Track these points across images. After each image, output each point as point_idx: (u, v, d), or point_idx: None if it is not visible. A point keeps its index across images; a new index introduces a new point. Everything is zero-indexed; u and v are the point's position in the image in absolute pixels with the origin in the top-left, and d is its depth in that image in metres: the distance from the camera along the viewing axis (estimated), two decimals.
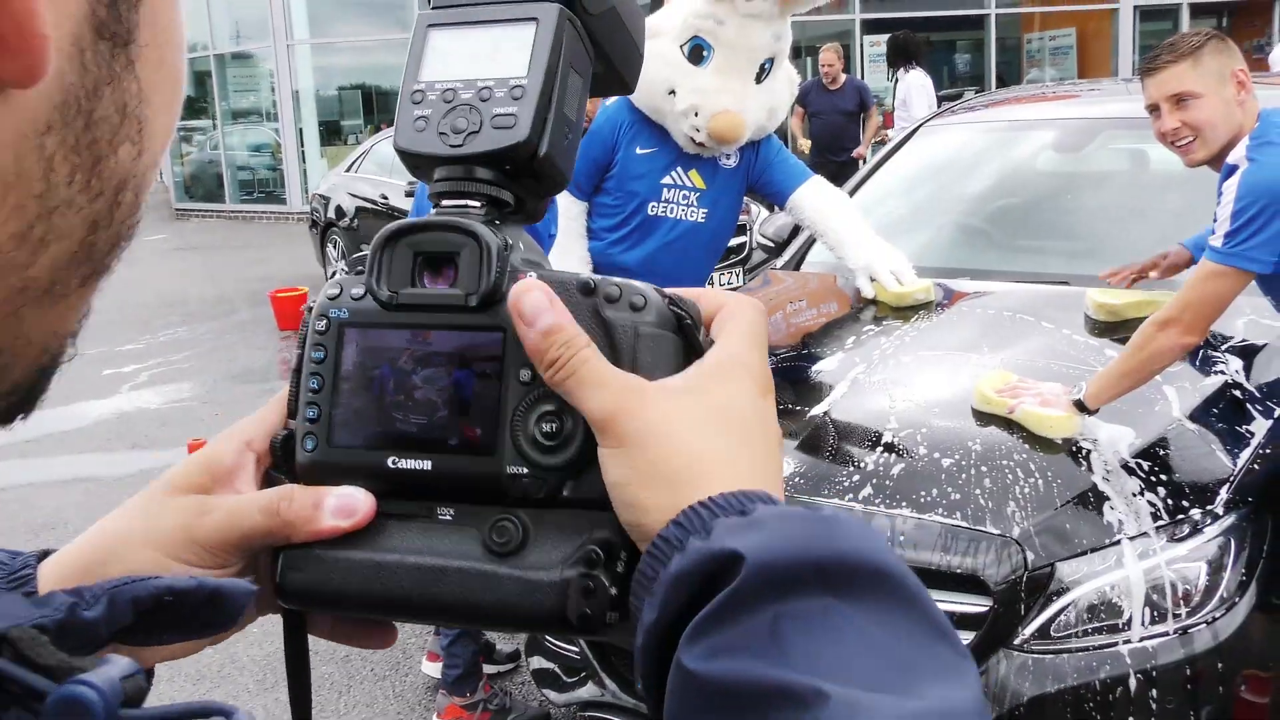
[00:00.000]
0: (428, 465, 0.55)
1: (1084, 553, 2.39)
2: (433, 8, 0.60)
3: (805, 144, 10.11)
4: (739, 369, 0.52)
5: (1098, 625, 2.37)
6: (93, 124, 0.33)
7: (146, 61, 0.35)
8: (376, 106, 19.06)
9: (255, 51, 18.72)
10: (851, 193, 4.13)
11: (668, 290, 0.55)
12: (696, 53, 3.36)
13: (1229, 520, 2.44)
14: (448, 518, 0.55)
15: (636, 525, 0.50)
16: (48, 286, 0.33)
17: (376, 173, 10.13)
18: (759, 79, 3.41)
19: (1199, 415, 2.70)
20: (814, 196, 3.55)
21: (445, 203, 0.57)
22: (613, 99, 3.57)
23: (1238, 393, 2.81)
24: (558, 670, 2.98)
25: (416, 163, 0.58)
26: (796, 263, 4.04)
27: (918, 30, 12.58)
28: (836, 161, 9.25)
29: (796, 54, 18.74)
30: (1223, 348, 2.96)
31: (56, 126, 0.32)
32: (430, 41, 0.59)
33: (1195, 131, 2.61)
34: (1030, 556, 2.38)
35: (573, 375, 0.51)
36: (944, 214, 4.01)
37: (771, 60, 3.42)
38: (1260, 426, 2.70)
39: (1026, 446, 2.60)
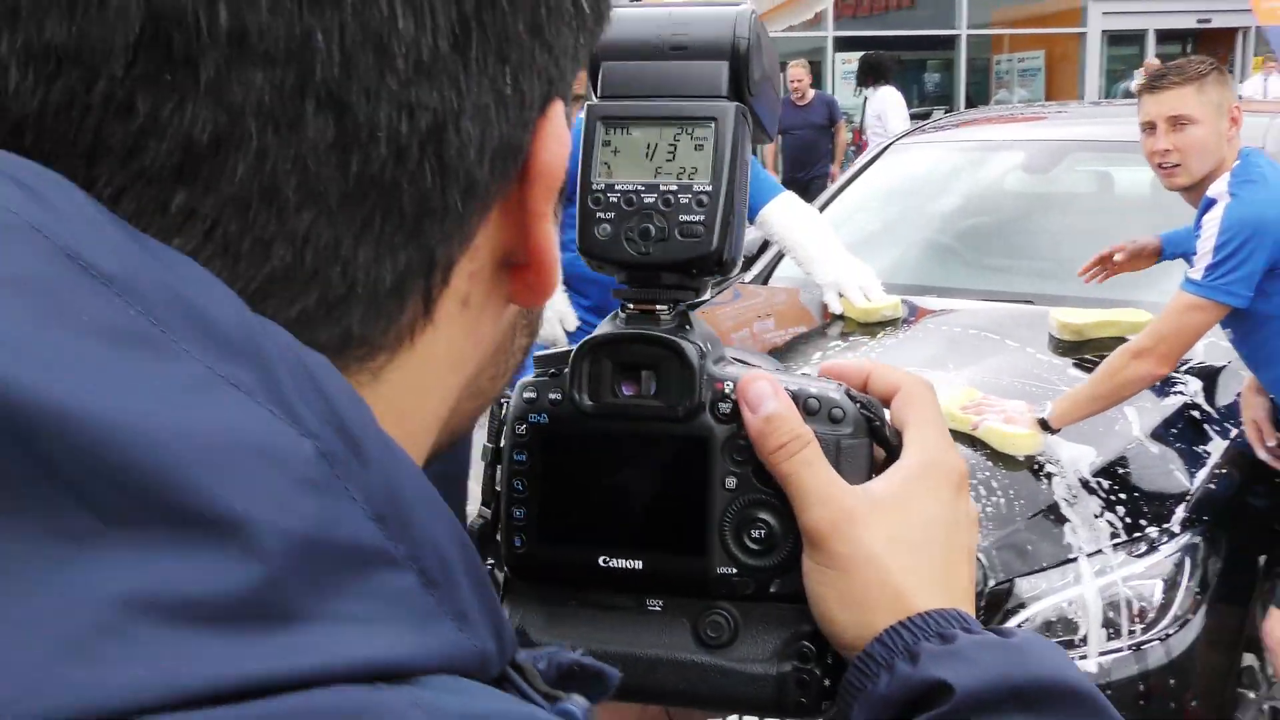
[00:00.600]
0: (639, 565, 0.58)
1: (1042, 569, 2.42)
2: (601, 97, 0.61)
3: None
4: (937, 472, 0.57)
5: (1055, 641, 2.41)
6: (499, 359, 0.44)
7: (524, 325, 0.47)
8: None
9: None
10: (821, 209, 4.17)
11: (854, 391, 0.59)
12: None
13: (1185, 538, 2.49)
14: (657, 609, 0.58)
15: (838, 644, 0.55)
16: (492, 398, 0.45)
17: None
18: None
19: (1158, 435, 2.75)
20: (783, 212, 3.56)
21: (632, 306, 0.60)
22: (584, 109, 3.58)
23: (1196, 413, 2.86)
24: None
25: (602, 265, 0.60)
26: (765, 277, 4.06)
27: (889, 49, 12.71)
28: (806, 178, 9.31)
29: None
30: (1182, 369, 3.01)
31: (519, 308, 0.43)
32: (604, 137, 0.60)
33: (1184, 156, 2.65)
34: (990, 573, 2.42)
35: (795, 470, 0.55)
36: (912, 231, 4.05)
37: None
38: (1217, 447, 2.75)
39: (990, 464, 2.63)
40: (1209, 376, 3.02)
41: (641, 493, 0.57)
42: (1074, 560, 2.42)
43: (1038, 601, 2.41)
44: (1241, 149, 2.68)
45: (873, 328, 3.36)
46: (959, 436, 2.72)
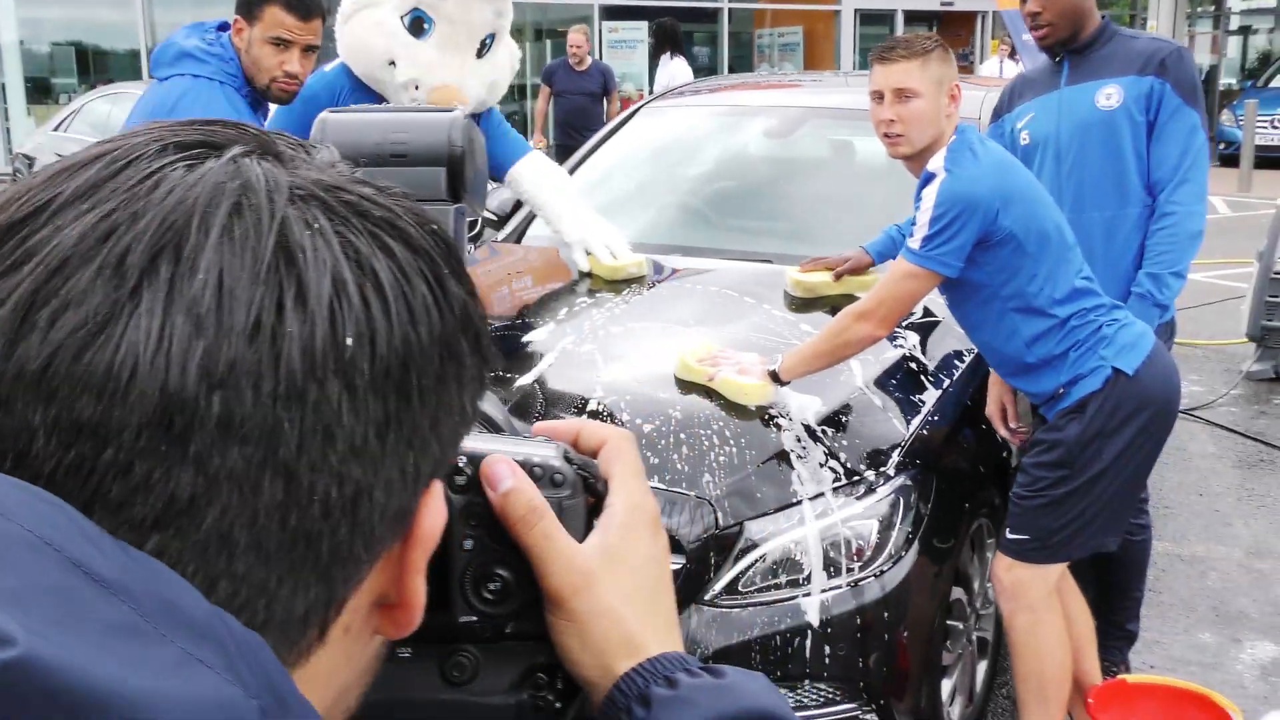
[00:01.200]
0: None
1: (768, 513, 2.54)
2: None
3: (540, 141, 10.16)
4: (641, 518, 0.65)
5: (780, 581, 2.53)
6: (348, 691, 0.53)
7: None
8: (93, 66, 17.83)
9: None
10: (573, 170, 4.21)
11: (573, 453, 0.65)
12: (417, 25, 3.32)
13: (899, 481, 2.66)
14: (406, 655, 0.63)
15: (581, 681, 0.63)
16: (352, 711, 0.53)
17: (89, 133, 9.55)
18: (480, 54, 3.41)
19: (879, 385, 2.92)
20: (532, 171, 3.60)
21: None
22: (330, 64, 3.50)
23: (913, 365, 3.05)
24: None
25: None
26: (518, 236, 4.08)
27: (653, 19, 12.87)
28: (577, 144, 9.34)
29: (537, 36, 18.85)
30: (904, 324, 3.19)
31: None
32: None
33: (906, 127, 2.79)
34: (720, 516, 2.52)
35: (535, 541, 0.62)
36: (661, 193, 4.13)
37: (493, 36, 3.43)
38: (931, 396, 2.94)
39: (723, 414, 2.74)
40: (925, 331, 3.22)
41: None
42: (798, 504, 2.55)
43: (765, 543, 2.53)
44: (958, 125, 2.85)
45: (618, 285, 3.43)
46: (695, 387, 2.81)
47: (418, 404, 0.46)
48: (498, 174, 3.67)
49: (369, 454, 0.44)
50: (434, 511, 0.50)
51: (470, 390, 0.50)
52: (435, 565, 0.61)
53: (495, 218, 4.27)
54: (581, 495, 0.65)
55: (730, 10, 20.07)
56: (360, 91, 3.41)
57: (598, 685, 0.63)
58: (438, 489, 0.50)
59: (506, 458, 0.63)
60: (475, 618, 0.63)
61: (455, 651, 0.64)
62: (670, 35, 10.54)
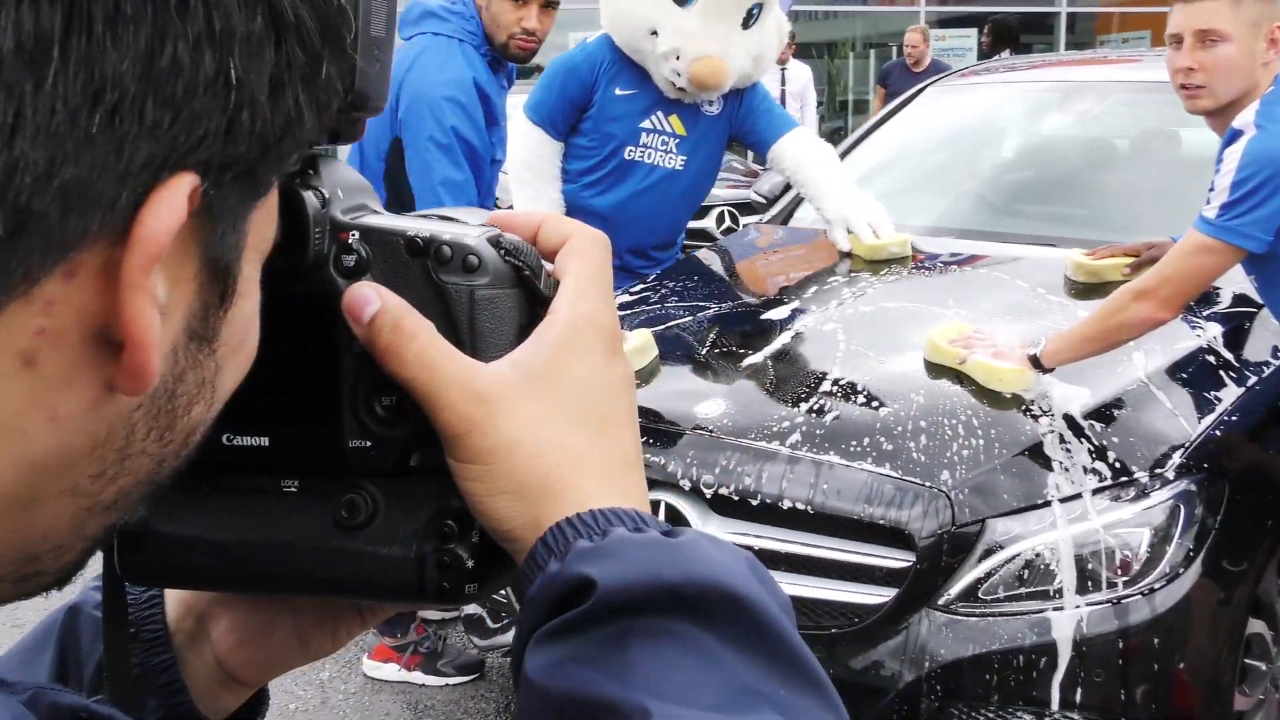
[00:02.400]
0: (265, 441, 0.52)
1: (1014, 511, 2.23)
2: None
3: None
4: (588, 331, 0.52)
5: (1027, 589, 2.22)
6: (174, 398, 0.40)
7: (226, 344, 0.42)
8: None
9: None
10: (847, 151, 3.99)
11: (507, 237, 0.52)
12: None
13: (1180, 486, 2.28)
14: (293, 490, 0.53)
15: (498, 535, 0.50)
16: (112, 504, 0.40)
17: None
18: (746, 24, 3.27)
19: (1165, 378, 2.53)
20: (795, 147, 3.41)
21: None
22: (594, 37, 3.45)
23: (1212, 359, 2.63)
24: (484, 615, 2.88)
25: None
26: (784, 218, 3.91)
27: (981, 25, 12.37)
28: None
29: (865, 48, 18.66)
30: (1204, 314, 2.77)
31: (145, 405, 0.39)
32: None
33: (1209, 77, 2.42)
34: (958, 512, 2.23)
35: (411, 374, 0.49)
36: (938, 173, 3.88)
37: (760, 6, 3.28)
38: (1230, 394, 2.52)
39: (973, 400, 2.45)
40: (1232, 322, 2.78)
41: (265, 360, 0.48)
42: (1047, 504, 2.23)
43: (1011, 545, 2.23)
44: (1278, 75, 2.43)
45: (878, 265, 3.20)
46: (945, 371, 2.54)
47: (109, 45, 0.33)
48: (761, 150, 3.52)
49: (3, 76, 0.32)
50: (169, 212, 0.36)
51: (257, 66, 0.37)
52: (317, 371, 0.51)
53: (763, 200, 4.12)
54: (511, 289, 0.52)
55: (1069, 15, 19.02)
56: (621, 64, 3.35)
57: (519, 541, 0.49)
58: (179, 188, 0.36)
59: (374, 284, 0.50)
60: (369, 442, 0.51)
61: (351, 488, 0.52)
62: (1008, 33, 10.07)
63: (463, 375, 0.49)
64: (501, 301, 0.51)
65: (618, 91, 3.36)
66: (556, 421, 0.50)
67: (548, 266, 0.54)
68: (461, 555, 0.51)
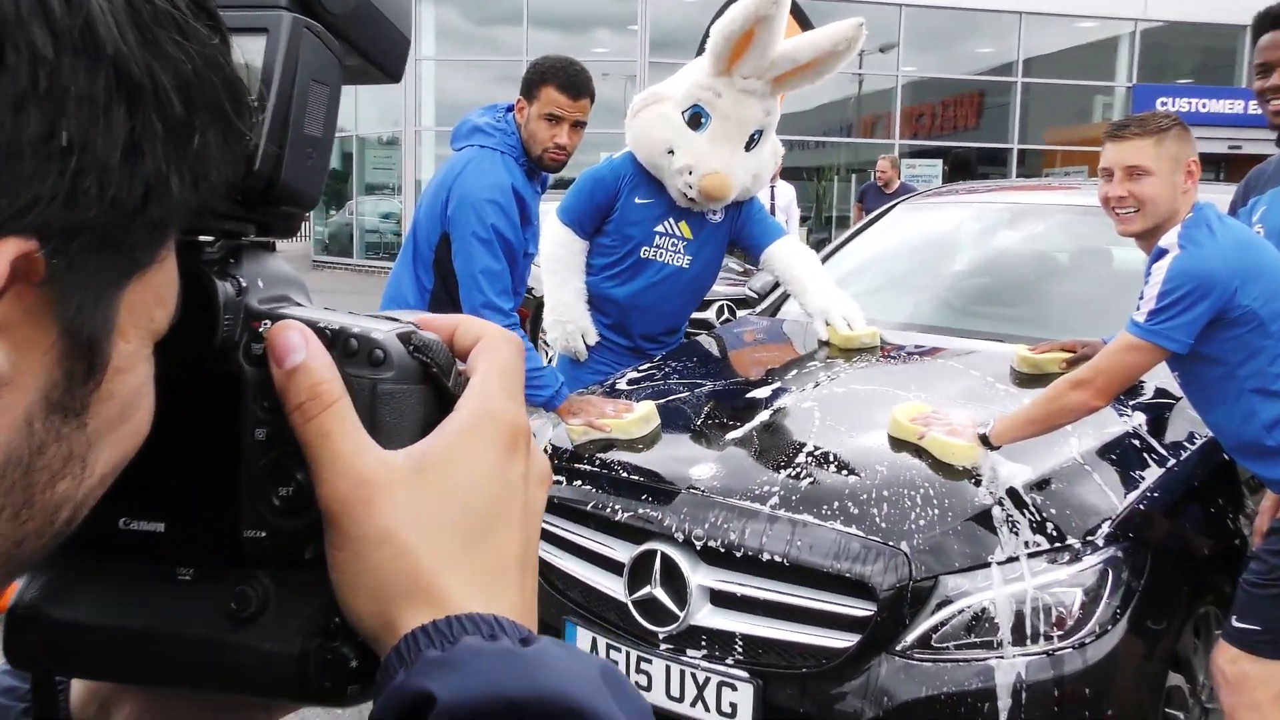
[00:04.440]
0: (161, 528, 0.44)
1: (964, 570, 2.17)
2: None
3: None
4: (488, 427, 0.44)
5: (973, 640, 2.14)
6: (31, 471, 0.33)
7: (102, 418, 0.35)
8: None
9: (390, 135, 19.20)
10: (828, 256, 3.98)
11: (419, 334, 0.45)
12: (695, 119, 3.24)
13: (1109, 552, 2.21)
14: (187, 578, 0.44)
15: (361, 635, 0.42)
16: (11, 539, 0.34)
17: None
18: (748, 147, 3.29)
19: (1096, 457, 2.47)
20: (784, 251, 3.42)
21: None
22: (619, 155, 3.46)
23: (1137, 442, 2.57)
24: None
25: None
26: (773, 311, 3.89)
27: (946, 157, 12.50)
28: None
29: (848, 172, 18.82)
30: (1131, 403, 2.73)
31: None
32: None
33: (1139, 204, 2.40)
34: (915, 569, 2.17)
35: (310, 438, 0.42)
36: (905, 276, 3.87)
37: (760, 132, 3.30)
38: (1153, 473, 2.46)
39: (930, 471, 2.40)
40: (1155, 412, 2.73)
41: (166, 444, 0.42)
42: (987, 565, 2.16)
43: (960, 599, 2.16)
44: (1195, 203, 2.41)
45: (851, 353, 3.16)
46: (906, 446, 2.49)
47: None
48: (755, 253, 3.52)
49: None
50: None
51: (115, 128, 0.31)
52: (218, 457, 0.44)
53: (755, 296, 4.11)
54: (416, 385, 0.44)
55: (1020, 152, 19.17)
56: (641, 177, 3.36)
57: (379, 644, 0.41)
58: (2, 250, 0.30)
59: (302, 325, 0.44)
60: (264, 533, 0.43)
61: (244, 579, 0.43)
62: (966, 165, 10.17)
63: (351, 454, 0.42)
64: (405, 396, 0.44)
65: (637, 200, 3.36)
66: (435, 519, 0.42)
67: (461, 366, 0.47)
68: (346, 653, 0.43)
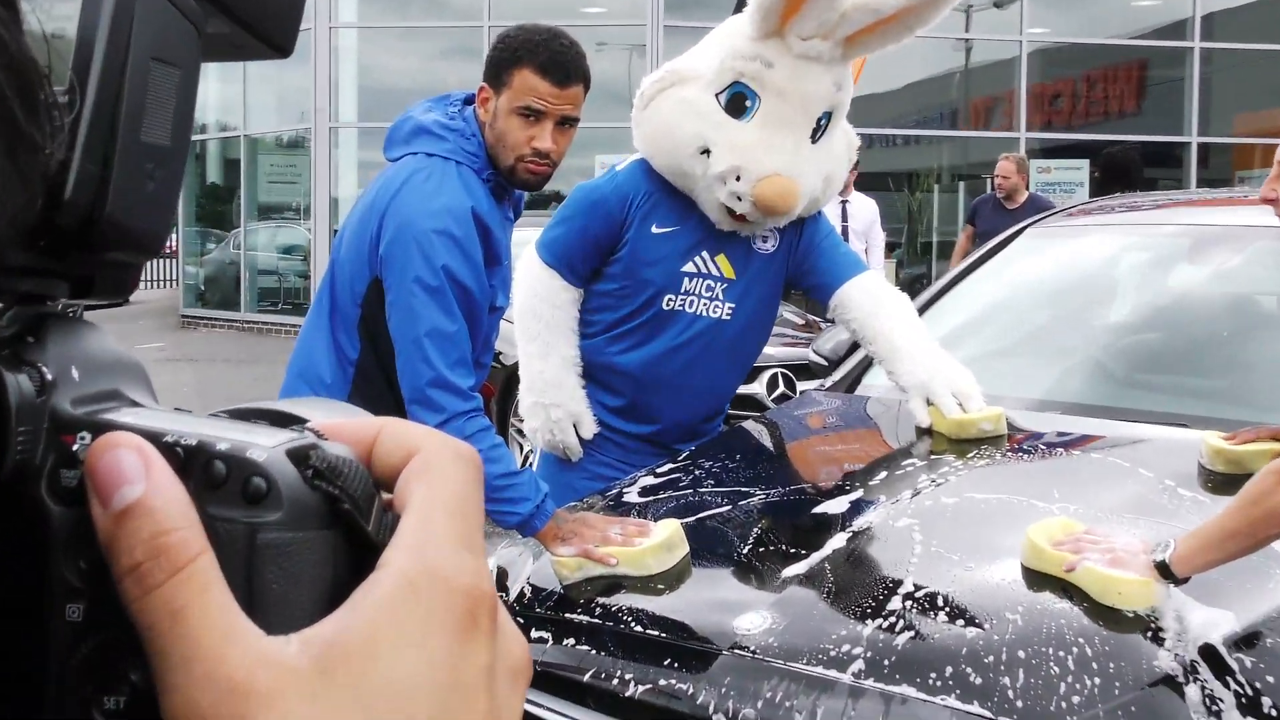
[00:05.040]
0: None
1: None
2: None
3: None
4: (428, 595, 0.42)
5: None
6: None
7: None
8: None
9: (294, 135, 19.50)
10: (928, 304, 4.00)
11: (321, 450, 0.44)
12: (738, 102, 3.28)
13: None
14: None
15: None
16: None
17: None
18: (814, 136, 3.33)
19: None
20: (864, 295, 3.44)
21: None
22: (625, 164, 3.51)
23: None
24: None
25: None
26: (850, 384, 3.90)
27: (1097, 155, 12.59)
28: None
29: (952, 179, 19.00)
30: None
31: None
32: None
33: None
34: None
35: (166, 609, 0.40)
36: (1038, 334, 3.88)
37: (829, 115, 3.35)
38: None
39: (1085, 620, 2.38)
40: None
41: None
42: None
43: None
44: None
45: (965, 446, 3.17)
46: (1049, 582, 2.48)
47: None
48: (822, 296, 3.55)
49: None
50: None
51: None
52: (14, 644, 0.42)
53: (824, 362, 4.13)
54: (319, 531, 0.43)
55: (1200, 147, 19.33)
56: (659, 195, 3.40)
57: None
58: None
59: (140, 439, 0.42)
60: None
61: None
62: (1120, 167, 10.20)
63: (216, 644, 0.40)
64: (301, 549, 0.43)
65: (655, 230, 3.40)
66: None
67: (387, 496, 0.46)
68: None
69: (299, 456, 0.43)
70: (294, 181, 19.60)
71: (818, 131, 3.34)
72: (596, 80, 3.13)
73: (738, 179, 3.23)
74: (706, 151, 3.28)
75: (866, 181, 11.44)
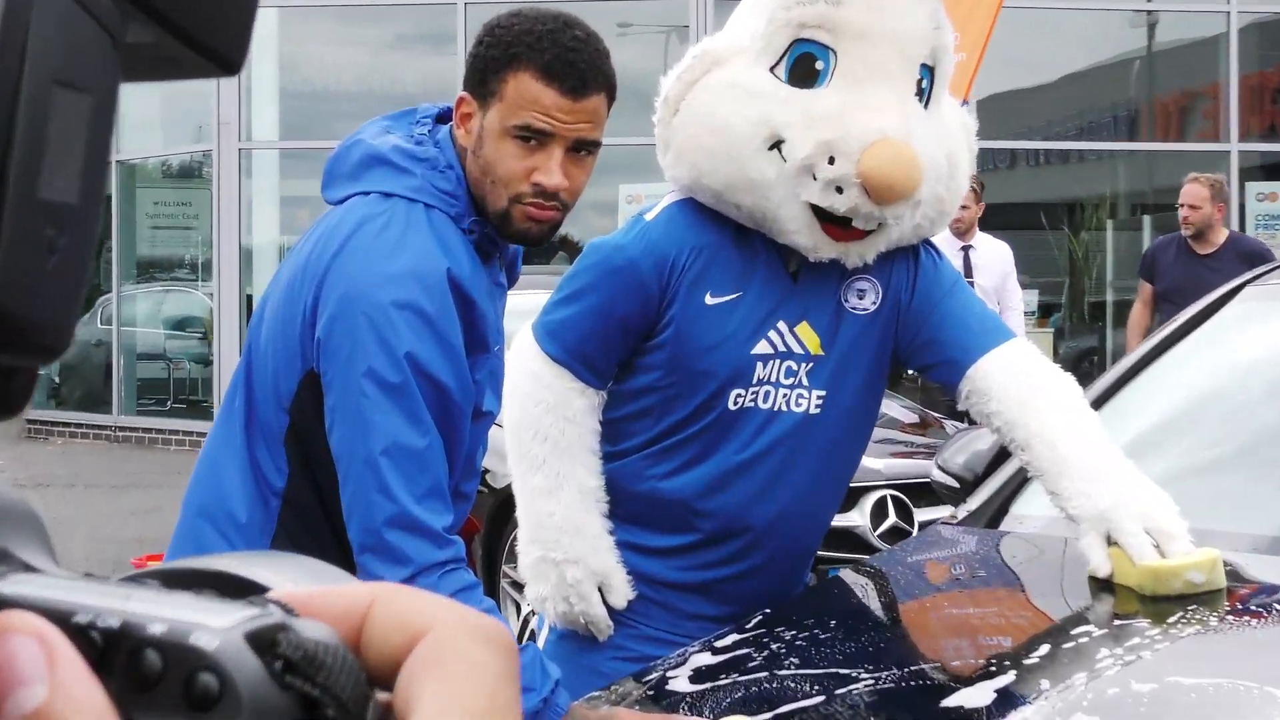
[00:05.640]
0: None
1: None
2: None
3: None
4: None
5: None
6: None
7: None
8: None
9: (187, 160, 19.69)
10: (1105, 395, 4.00)
11: (293, 631, 0.46)
12: (805, 66, 3.32)
13: None
14: None
15: None
16: None
17: None
18: (920, 95, 3.37)
19: None
20: (1011, 376, 3.43)
21: None
22: (657, 209, 3.52)
23: None
24: None
25: None
26: (993, 514, 3.90)
27: None
28: None
29: (1139, 209, 18.98)
30: None
31: None
32: None
33: None
34: None
35: None
36: (1265, 440, 3.88)
37: (930, 69, 3.40)
38: None
39: None
40: None
41: None
42: None
43: None
44: None
45: (1165, 606, 3.15)
46: None
47: None
48: (947, 377, 3.56)
49: None
50: None
51: None
52: None
53: (953, 480, 4.12)
54: None
55: None
56: (713, 248, 3.40)
57: None
58: None
59: (40, 621, 0.44)
60: None
61: None
62: None
63: None
64: None
65: (709, 299, 3.41)
66: None
67: (384, 696, 0.48)
68: None
69: (263, 642, 0.44)
70: (188, 226, 19.81)
71: (921, 94, 3.39)
72: (622, 79, 3.11)
73: (831, 161, 3.23)
74: (778, 143, 3.29)
75: (1000, 215, 11.46)
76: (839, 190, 3.24)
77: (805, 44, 3.31)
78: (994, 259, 10.24)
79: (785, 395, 3.42)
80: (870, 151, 3.20)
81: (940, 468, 4.30)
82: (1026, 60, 17.40)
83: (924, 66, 3.36)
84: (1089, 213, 19.49)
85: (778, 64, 3.33)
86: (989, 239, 10.34)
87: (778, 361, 3.41)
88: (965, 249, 9.88)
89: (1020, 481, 3.87)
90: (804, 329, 3.44)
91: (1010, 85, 17.64)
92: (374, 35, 19.42)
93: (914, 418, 8.56)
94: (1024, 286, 10.86)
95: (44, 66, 0.45)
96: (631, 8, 17.65)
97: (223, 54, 0.52)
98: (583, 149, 2.99)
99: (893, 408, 8.16)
